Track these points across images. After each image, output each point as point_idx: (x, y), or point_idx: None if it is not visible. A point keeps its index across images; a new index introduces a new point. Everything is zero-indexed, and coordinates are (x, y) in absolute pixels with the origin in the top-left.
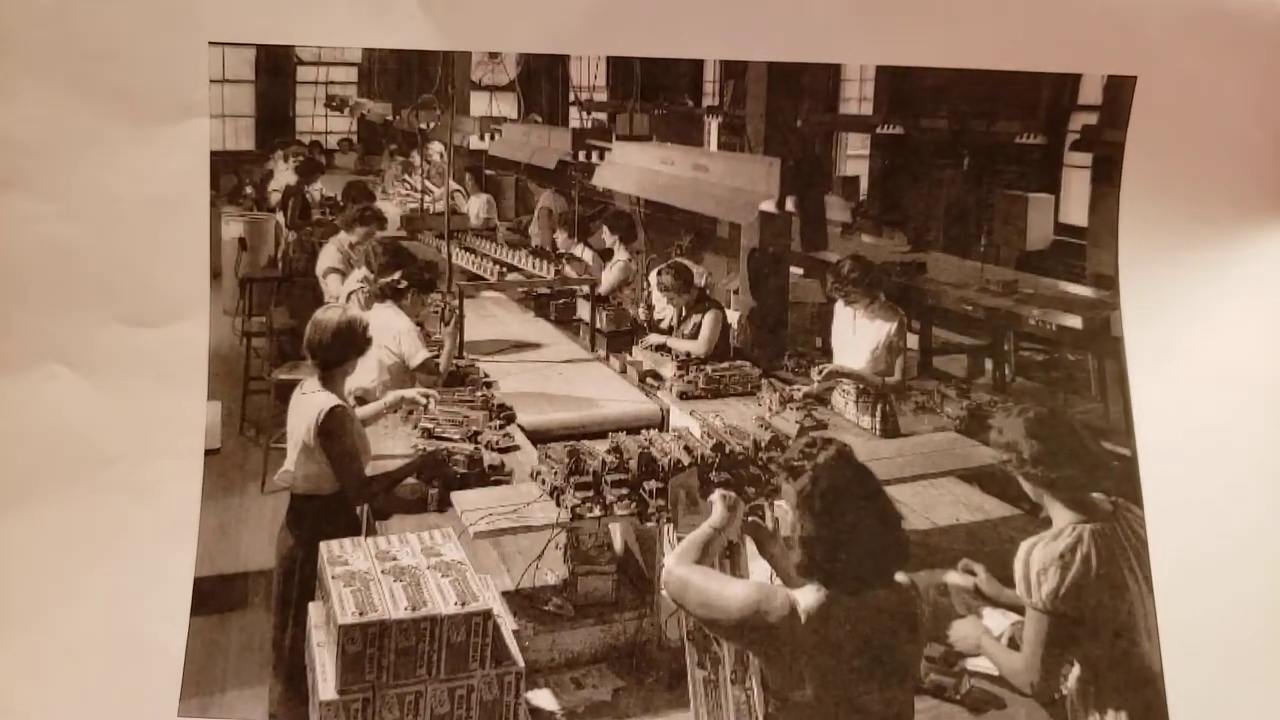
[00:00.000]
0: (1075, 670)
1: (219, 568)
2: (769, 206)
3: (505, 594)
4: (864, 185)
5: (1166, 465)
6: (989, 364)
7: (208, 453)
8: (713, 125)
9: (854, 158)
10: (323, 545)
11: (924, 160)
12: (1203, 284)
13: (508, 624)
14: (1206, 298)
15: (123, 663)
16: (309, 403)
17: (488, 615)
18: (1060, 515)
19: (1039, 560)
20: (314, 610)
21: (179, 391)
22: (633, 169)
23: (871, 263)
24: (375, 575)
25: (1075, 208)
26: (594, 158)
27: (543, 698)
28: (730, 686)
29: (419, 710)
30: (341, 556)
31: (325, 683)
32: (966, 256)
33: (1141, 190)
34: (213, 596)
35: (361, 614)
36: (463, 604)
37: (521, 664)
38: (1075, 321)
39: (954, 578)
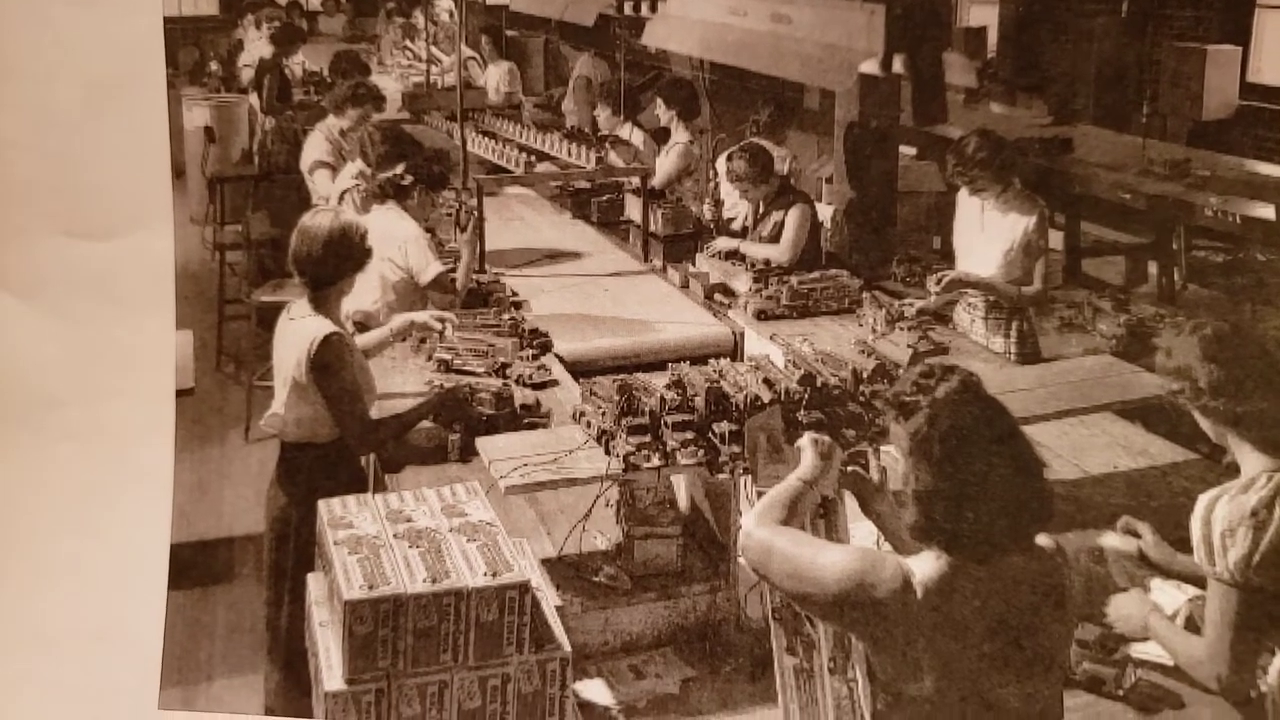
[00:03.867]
0: (1277, 661)
1: (198, 532)
2: (871, 68)
3: (546, 562)
4: (993, 38)
5: None
6: (1153, 268)
7: (179, 393)
8: None
9: (980, 2)
10: (321, 504)
11: (1070, 4)
12: None
13: (549, 599)
14: None
15: (89, 649)
16: (299, 330)
17: (525, 589)
18: (1251, 461)
19: (1224, 518)
20: (314, 583)
21: (140, 319)
22: (694, 23)
23: (1003, 139)
24: (386, 540)
25: (1270, 61)
26: (644, 9)
27: (594, 690)
28: (828, 677)
29: (443, 704)
30: (345, 518)
31: (330, 670)
32: (1124, 130)
33: None
34: (192, 567)
35: (371, 587)
36: (494, 575)
37: (568, 648)
38: (1266, 211)
39: (1112, 540)
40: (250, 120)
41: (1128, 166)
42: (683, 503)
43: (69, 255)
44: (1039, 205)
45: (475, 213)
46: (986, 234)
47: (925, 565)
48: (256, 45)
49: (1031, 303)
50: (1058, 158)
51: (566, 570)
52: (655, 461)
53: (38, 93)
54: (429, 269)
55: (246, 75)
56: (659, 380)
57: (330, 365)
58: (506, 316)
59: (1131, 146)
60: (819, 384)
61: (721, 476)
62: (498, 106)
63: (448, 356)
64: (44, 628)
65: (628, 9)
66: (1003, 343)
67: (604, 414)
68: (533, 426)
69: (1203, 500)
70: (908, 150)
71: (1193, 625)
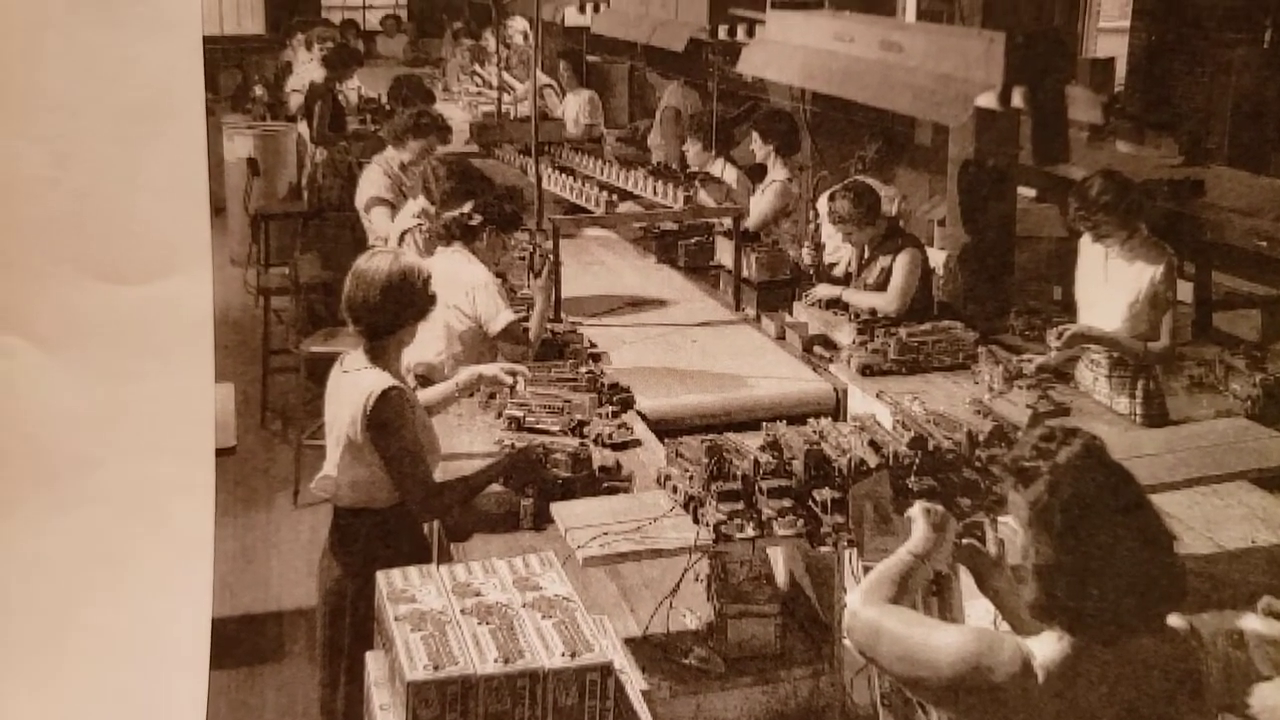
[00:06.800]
0: None
1: (244, 606)
2: (988, 101)
3: (630, 642)
4: (1121, 70)
5: None
6: None
7: (219, 452)
8: None
9: (1108, 31)
10: (380, 576)
11: (1207, 34)
12: None
13: (635, 682)
14: None
15: None
16: (354, 384)
17: (607, 671)
18: None
19: None
20: (373, 662)
21: (176, 370)
22: (795, 49)
23: (1130, 181)
24: (453, 616)
25: None
26: (739, 34)
27: None
28: None
29: None
30: (407, 591)
31: None
32: (1262, 171)
33: None
34: (238, 644)
35: (437, 668)
36: (572, 655)
37: None
38: None
39: (1253, 623)
40: (299, 151)
41: (1265, 211)
42: (781, 578)
43: (98, 301)
44: (1167, 253)
45: (550, 256)
46: (1110, 284)
47: (1047, 647)
48: (307, 68)
49: (1158, 360)
50: (1189, 201)
51: (653, 651)
52: (749, 532)
53: (64, 122)
54: (499, 317)
55: (295, 101)
56: (752, 441)
57: (389, 423)
58: (584, 370)
59: (1270, 189)
60: (931, 447)
61: (824, 549)
62: (576, 140)
63: (519, 414)
64: (72, 710)
65: (722, 33)
66: (1128, 403)
67: (692, 478)
68: (613, 491)
69: None
70: (1027, 192)
71: None
